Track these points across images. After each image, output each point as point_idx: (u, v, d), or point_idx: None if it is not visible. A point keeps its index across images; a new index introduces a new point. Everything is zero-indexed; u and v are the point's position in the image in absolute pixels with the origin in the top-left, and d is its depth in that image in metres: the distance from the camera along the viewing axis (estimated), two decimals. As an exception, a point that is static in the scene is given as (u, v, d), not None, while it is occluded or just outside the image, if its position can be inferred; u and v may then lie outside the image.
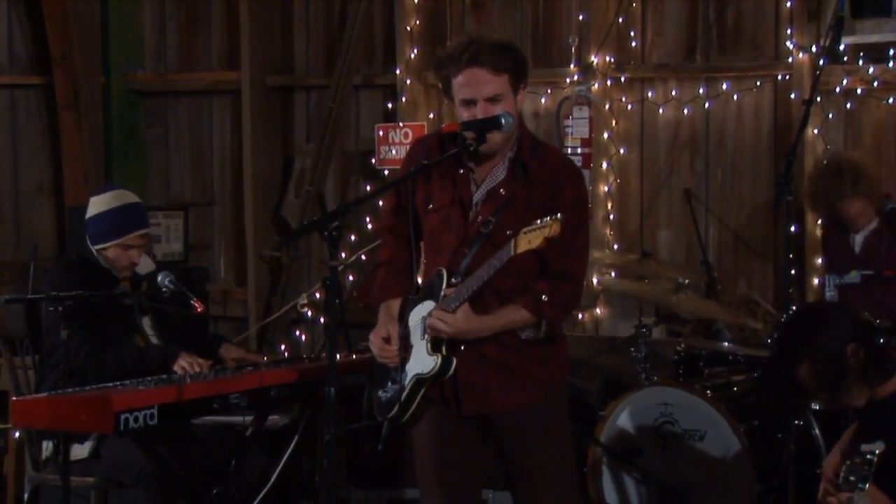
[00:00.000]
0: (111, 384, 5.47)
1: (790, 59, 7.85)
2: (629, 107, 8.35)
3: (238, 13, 9.26)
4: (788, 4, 7.85)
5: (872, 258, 6.72)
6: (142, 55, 9.76)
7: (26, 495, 6.12)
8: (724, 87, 8.10)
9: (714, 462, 6.39)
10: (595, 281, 8.12)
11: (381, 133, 8.62)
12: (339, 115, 8.99)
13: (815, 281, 7.67)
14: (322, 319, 8.78)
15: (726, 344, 7.27)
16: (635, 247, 8.13)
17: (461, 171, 4.81)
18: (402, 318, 4.89)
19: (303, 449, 6.27)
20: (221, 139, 9.65)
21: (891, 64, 7.61)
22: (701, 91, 8.16)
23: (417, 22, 8.76)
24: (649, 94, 8.31)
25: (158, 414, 5.20)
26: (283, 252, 9.12)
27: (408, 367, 4.81)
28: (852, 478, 4.23)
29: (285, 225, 9.21)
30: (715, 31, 8.17)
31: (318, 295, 8.01)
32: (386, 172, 8.63)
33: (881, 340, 5.10)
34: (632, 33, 8.30)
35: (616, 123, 8.31)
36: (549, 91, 8.46)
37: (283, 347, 9.00)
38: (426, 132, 8.12)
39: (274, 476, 6.02)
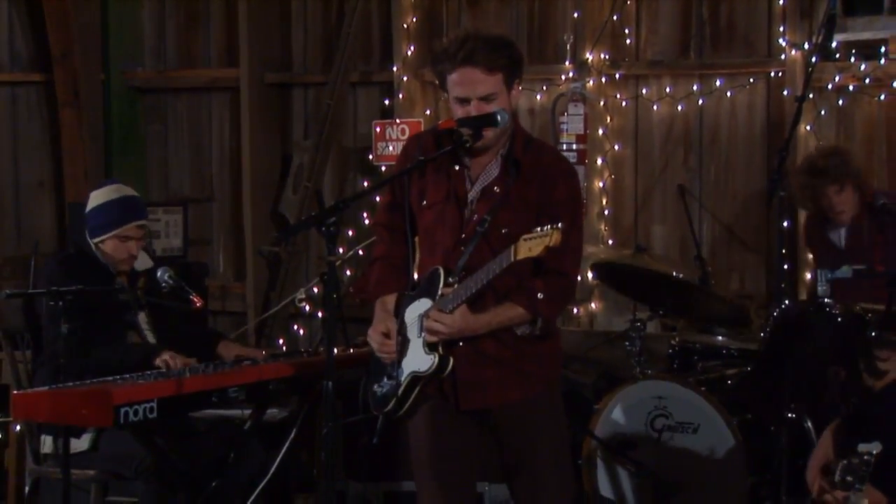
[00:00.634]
0: (111, 378, 5.46)
1: (783, 57, 7.89)
2: (624, 103, 8.38)
3: (237, 11, 9.28)
4: (781, 2, 7.89)
5: (857, 253, 6.73)
6: (141, 53, 9.78)
7: (27, 488, 6.12)
8: (718, 83, 8.13)
9: (707, 454, 6.41)
10: (590, 276, 8.15)
11: (378, 129, 8.63)
12: (336, 111, 9.02)
13: (808, 275, 7.69)
14: (320, 314, 8.77)
15: (720, 338, 7.26)
16: (630, 242, 8.15)
17: (456, 168, 4.83)
18: (398, 315, 4.88)
19: (301, 442, 6.28)
20: (220, 136, 9.68)
21: (882, 61, 7.63)
22: (695, 88, 8.19)
23: (414, 19, 8.79)
24: (644, 91, 8.35)
25: (158, 407, 5.19)
26: (281, 247, 9.14)
27: (404, 363, 4.81)
28: (850, 478, 4.25)
29: (284, 221, 9.23)
30: (708, 28, 8.21)
31: (315, 290, 8.03)
32: (383, 168, 8.63)
33: (872, 334, 5.17)
34: (626, 31, 8.34)
35: (611, 120, 8.35)
36: (544, 88, 8.49)
37: (281, 342, 9.03)
38: (423, 129, 8.10)
39: (272, 469, 6.02)
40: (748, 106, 8.15)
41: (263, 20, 9.32)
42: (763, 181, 7.98)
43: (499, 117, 4.68)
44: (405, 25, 8.78)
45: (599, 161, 8.31)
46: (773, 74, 8.00)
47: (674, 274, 7.10)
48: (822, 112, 7.85)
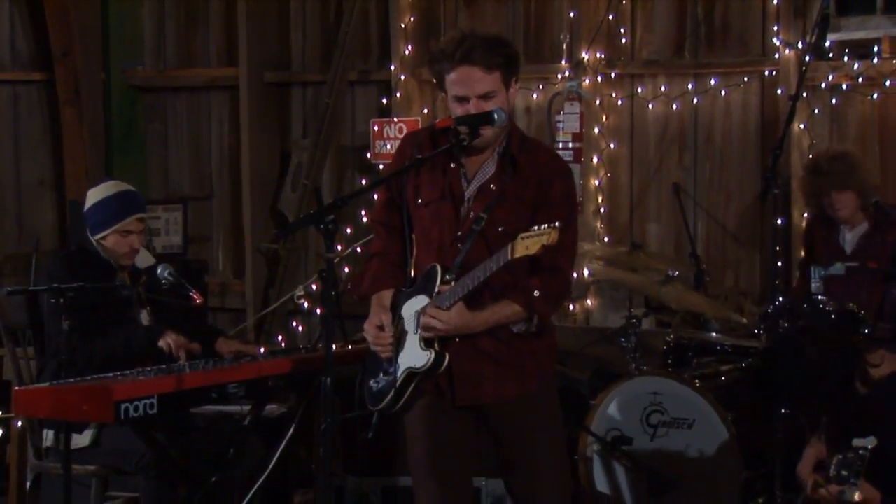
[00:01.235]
0: (111, 374, 5.49)
1: (777, 56, 7.92)
2: (619, 102, 8.42)
3: (236, 11, 9.30)
4: (775, 2, 7.92)
5: (862, 259, 6.76)
6: (141, 52, 9.79)
7: (28, 483, 6.12)
8: (713, 82, 8.16)
9: (702, 450, 6.45)
10: (586, 273, 8.20)
11: (376, 128, 8.67)
12: (335, 110, 9.03)
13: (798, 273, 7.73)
14: (318, 310, 8.82)
15: (714, 334, 7.28)
16: (625, 239, 8.17)
17: (451, 166, 4.86)
18: (395, 311, 4.91)
19: (299, 437, 6.27)
20: (220, 134, 9.69)
21: (875, 60, 7.66)
22: (689, 87, 8.22)
23: (412, 19, 8.82)
24: (639, 90, 8.38)
25: (158, 403, 5.22)
26: (280, 245, 9.15)
27: (400, 359, 4.84)
28: (844, 472, 4.25)
29: (282, 218, 9.25)
30: (703, 28, 8.24)
31: (314, 286, 8.05)
32: (381, 166, 8.64)
33: (865, 331, 5.21)
34: (622, 30, 8.37)
35: (606, 118, 8.38)
36: (540, 87, 8.52)
37: (280, 338, 9.04)
38: (420, 127, 8.14)
39: (271, 464, 6.01)
40: (742, 105, 8.17)
41: (262, 20, 9.34)
42: (757, 179, 7.99)
43: (496, 116, 4.70)
44: (403, 25, 8.80)
45: (595, 159, 8.34)
46: (767, 73, 8.04)
47: (668, 271, 7.15)
48: (816, 111, 7.87)
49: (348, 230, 8.83)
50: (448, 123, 4.86)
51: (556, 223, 4.49)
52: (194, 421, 6.30)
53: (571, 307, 8.32)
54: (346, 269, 8.82)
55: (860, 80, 7.75)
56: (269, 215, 9.41)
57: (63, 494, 5.35)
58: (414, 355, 4.81)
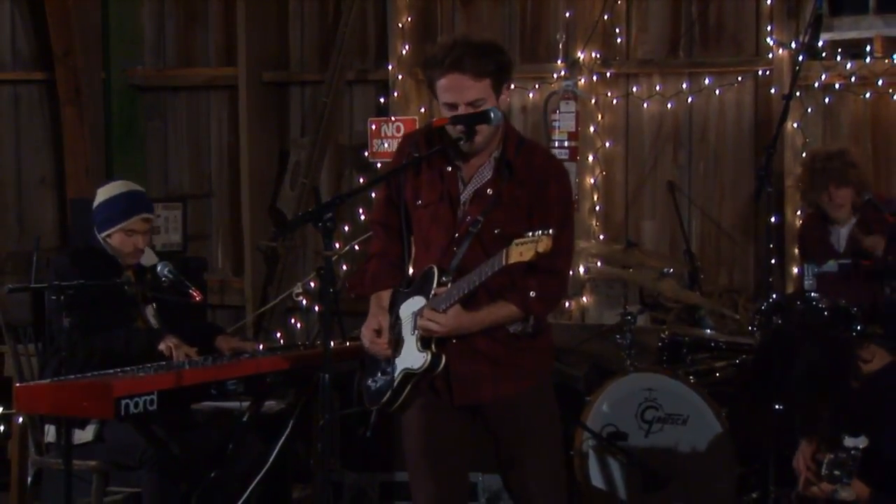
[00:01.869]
0: (111, 371, 5.52)
1: (770, 56, 7.98)
2: (614, 101, 8.45)
3: (235, 11, 9.29)
4: (769, 2, 7.97)
5: (855, 256, 6.79)
6: (141, 51, 9.77)
7: (30, 479, 6.13)
8: (707, 82, 8.22)
9: (696, 445, 6.50)
10: (582, 270, 8.24)
11: (373, 127, 8.67)
12: (333, 109, 9.02)
13: (795, 270, 7.76)
14: (316, 308, 8.79)
15: (708, 331, 7.33)
16: (620, 237, 8.22)
17: (449, 169, 4.87)
18: (393, 311, 4.93)
19: (298, 433, 6.28)
20: (219, 133, 9.68)
21: (868, 60, 7.73)
22: (684, 86, 8.27)
23: (409, 19, 8.83)
24: (634, 89, 8.42)
25: (158, 400, 5.24)
26: (279, 243, 9.13)
27: (397, 360, 4.86)
28: (837, 472, 4.29)
29: (281, 216, 9.23)
30: (697, 27, 8.28)
31: (312, 284, 8.09)
32: (378, 165, 8.66)
33: (858, 328, 5.24)
34: (617, 30, 8.40)
35: (602, 117, 8.41)
36: (536, 86, 8.54)
37: (278, 335, 9.03)
38: (417, 126, 8.15)
39: (270, 460, 6.03)
40: (736, 104, 8.22)
41: (261, 20, 9.33)
42: (751, 177, 8.03)
43: (492, 114, 4.71)
44: (400, 25, 8.82)
45: (591, 158, 8.37)
46: (760, 73, 8.08)
47: (663, 269, 7.19)
48: (809, 110, 7.93)
49: (346, 228, 8.86)
50: (445, 122, 4.84)
51: (550, 230, 4.50)
52: (194, 417, 6.34)
53: (567, 304, 8.33)
54: (344, 267, 8.84)
55: (853, 79, 7.81)
56: (268, 213, 9.41)
57: (64, 490, 5.36)
58: (411, 356, 4.83)
